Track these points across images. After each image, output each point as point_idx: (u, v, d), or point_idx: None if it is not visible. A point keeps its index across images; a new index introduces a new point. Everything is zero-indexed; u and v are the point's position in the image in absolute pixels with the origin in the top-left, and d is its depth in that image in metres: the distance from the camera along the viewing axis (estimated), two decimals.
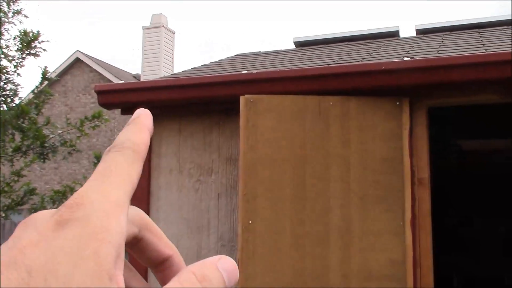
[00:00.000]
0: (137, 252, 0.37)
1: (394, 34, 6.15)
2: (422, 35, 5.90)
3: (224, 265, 0.32)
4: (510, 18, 5.99)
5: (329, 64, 3.98)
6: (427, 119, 3.44)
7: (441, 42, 4.65)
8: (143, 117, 0.37)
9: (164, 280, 0.38)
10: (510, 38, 4.27)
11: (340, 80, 3.43)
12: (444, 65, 3.19)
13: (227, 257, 0.33)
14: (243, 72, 4.04)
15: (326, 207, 3.23)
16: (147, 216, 0.37)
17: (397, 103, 3.33)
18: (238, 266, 0.33)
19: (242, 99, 3.39)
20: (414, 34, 6.23)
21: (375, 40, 5.79)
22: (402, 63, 3.32)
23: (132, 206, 0.34)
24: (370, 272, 3.12)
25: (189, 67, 5.39)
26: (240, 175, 3.31)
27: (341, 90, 3.39)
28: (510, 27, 5.30)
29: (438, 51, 3.89)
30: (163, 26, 15.78)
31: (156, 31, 15.80)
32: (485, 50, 3.55)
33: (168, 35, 16.16)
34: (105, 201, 0.31)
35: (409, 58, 3.31)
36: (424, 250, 3.30)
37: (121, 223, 0.31)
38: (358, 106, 3.31)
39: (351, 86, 3.38)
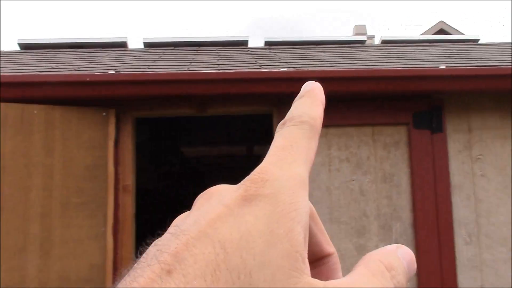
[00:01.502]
0: None
1: (122, 45, 6.33)
2: (149, 48, 6.19)
3: (404, 255, 0.32)
4: (243, 39, 6.66)
5: (41, 72, 3.94)
6: (133, 129, 3.66)
7: (158, 57, 4.98)
8: (317, 90, 0.36)
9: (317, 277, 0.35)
10: (218, 57, 4.80)
11: (47, 88, 3.43)
12: (147, 80, 3.45)
13: (405, 246, 0.32)
14: None
15: (25, 216, 3.19)
16: (311, 204, 0.35)
17: (104, 114, 3.48)
18: None
19: None
20: (142, 46, 6.51)
21: (103, 49, 5.88)
22: (107, 76, 3.47)
23: None
24: (69, 278, 3.19)
25: None
26: None
27: (48, 99, 3.40)
28: (223, 47, 5.92)
29: (149, 66, 4.16)
30: None
31: None
32: (187, 69, 3.94)
33: None
34: (290, 178, 0.29)
35: (113, 72, 3.49)
36: (126, 253, 3.49)
37: (306, 203, 0.30)
38: (63, 115, 3.36)
39: (57, 95, 3.40)
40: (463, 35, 8.97)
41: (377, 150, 3.81)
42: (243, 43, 6.38)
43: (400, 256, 0.31)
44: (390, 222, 3.77)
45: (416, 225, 3.72)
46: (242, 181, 0.29)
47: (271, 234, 0.27)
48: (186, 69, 3.91)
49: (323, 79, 2.86)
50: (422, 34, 12.59)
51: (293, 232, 0.27)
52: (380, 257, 0.30)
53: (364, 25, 13.61)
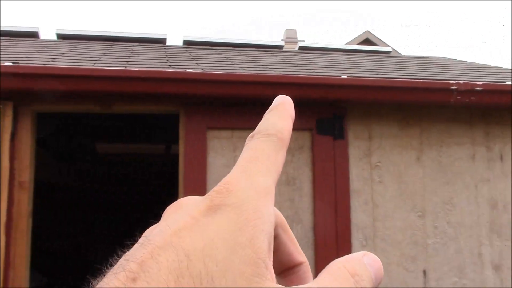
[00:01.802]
0: None
1: (34, 35, 6.11)
2: (62, 40, 6.01)
3: (371, 262, 0.32)
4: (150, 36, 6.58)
5: None
6: (33, 123, 3.54)
7: (68, 50, 4.84)
8: (286, 104, 0.37)
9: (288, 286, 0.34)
10: (130, 53, 4.73)
11: None
12: (44, 74, 3.34)
13: (372, 254, 0.32)
14: None
15: None
16: (281, 215, 0.35)
17: (0, 107, 3.34)
18: None
19: None
20: (55, 38, 6.30)
21: (12, 39, 5.64)
22: (6, 68, 3.33)
23: None
24: None
25: None
26: None
27: None
28: (136, 43, 5.85)
29: (54, 59, 4.04)
30: None
31: None
32: (94, 64, 3.86)
33: None
34: (254, 189, 0.30)
35: (10, 63, 3.36)
36: (20, 251, 3.37)
37: (270, 211, 0.30)
38: None
39: None
40: (381, 47, 9.35)
41: None
42: (161, 41, 6.32)
43: (366, 263, 0.31)
44: (291, 225, 3.86)
45: (316, 228, 3.83)
46: (208, 192, 0.30)
47: (234, 242, 0.27)
48: (92, 64, 3.83)
49: (227, 82, 2.91)
50: (347, 43, 12.98)
51: (255, 239, 0.28)
52: (344, 263, 0.31)
53: (295, 29, 13.87)
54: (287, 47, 9.15)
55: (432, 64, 5.68)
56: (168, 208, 0.33)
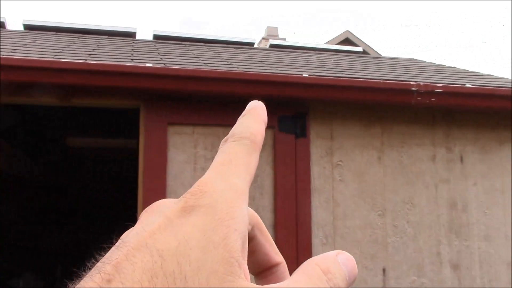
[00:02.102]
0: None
1: (1, 25, 6.01)
2: (28, 31, 5.92)
3: (345, 260, 0.32)
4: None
5: None
6: None
7: (32, 41, 4.78)
8: (258, 109, 0.37)
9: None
10: (96, 46, 4.68)
11: None
12: (1, 65, 3.29)
13: (346, 252, 0.32)
14: None
15: None
16: (258, 216, 0.36)
17: None
18: None
19: None
20: (22, 29, 6.21)
21: None
22: None
23: None
24: None
25: None
26: None
27: None
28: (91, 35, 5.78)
29: (15, 50, 3.98)
30: None
31: None
32: (54, 56, 3.81)
33: None
34: (228, 190, 0.30)
35: None
36: None
37: (244, 212, 0.30)
38: None
39: None
40: (353, 47, 9.40)
41: None
42: (131, 35, 6.27)
43: (340, 262, 0.32)
44: None
45: (276, 225, 3.84)
46: (183, 194, 0.31)
47: (207, 241, 0.28)
48: (53, 56, 3.78)
49: (186, 77, 2.89)
50: (326, 43, 13.03)
51: (228, 239, 0.28)
52: (318, 262, 0.31)
53: (276, 27, 13.84)
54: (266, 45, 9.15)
55: (399, 65, 5.73)
56: (144, 211, 0.33)
